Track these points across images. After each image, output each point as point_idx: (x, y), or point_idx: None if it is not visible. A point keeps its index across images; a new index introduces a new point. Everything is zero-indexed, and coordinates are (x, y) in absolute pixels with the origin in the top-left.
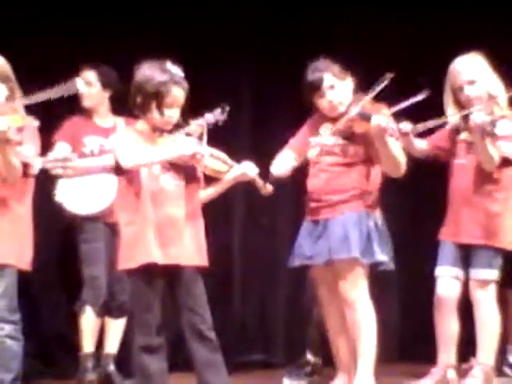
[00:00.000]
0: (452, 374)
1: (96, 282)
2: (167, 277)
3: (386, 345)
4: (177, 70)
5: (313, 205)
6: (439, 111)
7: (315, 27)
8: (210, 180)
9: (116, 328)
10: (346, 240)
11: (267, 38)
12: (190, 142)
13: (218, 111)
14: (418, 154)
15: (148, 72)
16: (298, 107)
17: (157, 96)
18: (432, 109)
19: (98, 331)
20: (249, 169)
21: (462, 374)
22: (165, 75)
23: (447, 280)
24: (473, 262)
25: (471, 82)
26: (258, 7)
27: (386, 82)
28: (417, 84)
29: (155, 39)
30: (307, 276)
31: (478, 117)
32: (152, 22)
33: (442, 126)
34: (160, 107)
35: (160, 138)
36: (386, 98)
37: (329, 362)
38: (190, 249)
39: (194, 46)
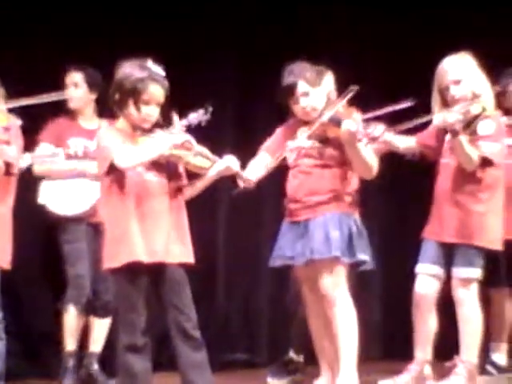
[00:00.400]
0: (428, 370)
1: (80, 280)
2: (152, 275)
3: (369, 343)
4: (157, 69)
5: (293, 206)
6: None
7: (300, 27)
8: (193, 176)
9: (101, 327)
10: (327, 240)
11: (252, 37)
12: (176, 134)
13: (201, 112)
14: (404, 151)
15: (127, 69)
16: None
17: (133, 92)
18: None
19: (81, 330)
20: (231, 163)
21: (446, 372)
22: (143, 72)
23: (426, 278)
24: (455, 260)
25: (457, 82)
26: (243, 6)
27: (351, 94)
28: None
29: (140, 38)
30: (290, 275)
31: (449, 116)
32: (137, 22)
33: (422, 126)
34: (137, 104)
35: (141, 137)
36: (375, 99)
37: (312, 360)
38: (174, 246)
39: (179, 45)
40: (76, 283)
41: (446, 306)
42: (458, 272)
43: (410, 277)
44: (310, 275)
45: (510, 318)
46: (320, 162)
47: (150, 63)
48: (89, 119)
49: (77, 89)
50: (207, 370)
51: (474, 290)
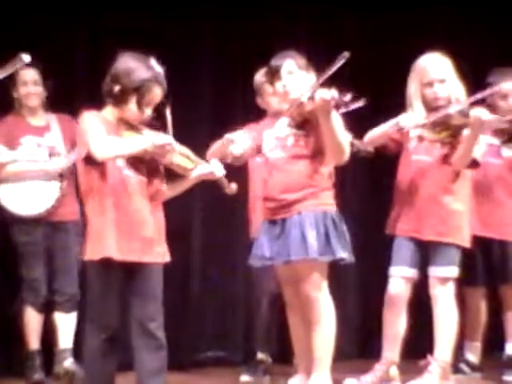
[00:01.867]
0: (394, 371)
1: (34, 284)
2: (126, 272)
3: (346, 342)
4: (159, 69)
5: (269, 205)
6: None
7: (275, 26)
8: (174, 176)
9: (68, 322)
10: (303, 241)
11: (228, 36)
12: (160, 135)
13: None
14: (370, 143)
15: (132, 64)
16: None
17: (138, 92)
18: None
19: (42, 327)
20: (216, 168)
21: (419, 370)
22: (149, 72)
23: (399, 280)
24: (433, 259)
25: (442, 81)
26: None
27: (341, 62)
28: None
29: (117, 29)
30: (254, 273)
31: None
32: (115, 13)
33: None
34: (139, 102)
35: (126, 131)
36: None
37: (280, 359)
38: (152, 245)
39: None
40: (31, 286)
41: (420, 306)
42: (437, 271)
43: (388, 276)
44: (291, 275)
45: (484, 317)
46: (293, 154)
47: (153, 62)
48: (37, 116)
49: (36, 86)
50: (163, 374)
51: (450, 288)
